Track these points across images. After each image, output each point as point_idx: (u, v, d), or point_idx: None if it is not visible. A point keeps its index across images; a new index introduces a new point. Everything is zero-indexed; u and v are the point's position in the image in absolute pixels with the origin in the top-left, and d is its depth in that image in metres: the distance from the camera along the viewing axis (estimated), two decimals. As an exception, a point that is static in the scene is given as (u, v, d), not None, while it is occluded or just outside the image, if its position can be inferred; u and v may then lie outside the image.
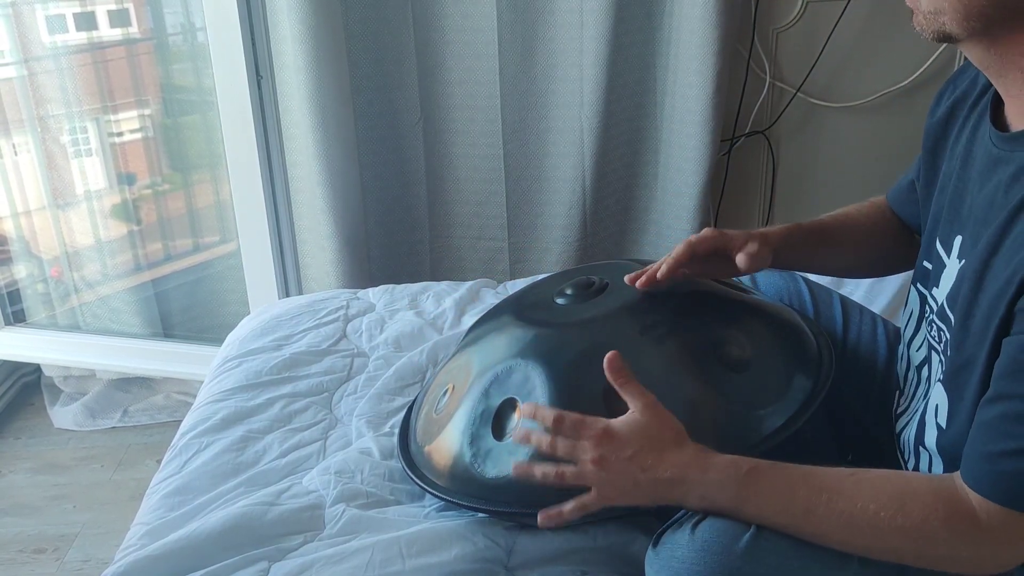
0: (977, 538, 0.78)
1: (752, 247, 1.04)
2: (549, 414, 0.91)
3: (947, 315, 0.90)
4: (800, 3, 2.01)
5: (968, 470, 0.80)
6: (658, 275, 1.06)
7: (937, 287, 0.94)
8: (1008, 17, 0.77)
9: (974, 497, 0.79)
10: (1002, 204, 0.81)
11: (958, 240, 0.90)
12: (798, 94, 2.09)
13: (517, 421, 1.02)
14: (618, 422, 0.90)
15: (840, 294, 1.30)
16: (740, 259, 1.04)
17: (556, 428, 0.91)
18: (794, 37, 2.05)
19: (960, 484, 0.80)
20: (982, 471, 0.79)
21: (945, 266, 0.93)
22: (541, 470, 0.91)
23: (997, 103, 0.88)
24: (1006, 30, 0.78)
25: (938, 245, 0.96)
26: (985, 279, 0.82)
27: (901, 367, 1.07)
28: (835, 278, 1.52)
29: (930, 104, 1.03)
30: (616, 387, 0.93)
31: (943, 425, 0.90)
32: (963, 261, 0.88)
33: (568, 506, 0.91)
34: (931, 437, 0.93)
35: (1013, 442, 0.76)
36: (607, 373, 0.93)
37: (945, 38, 0.81)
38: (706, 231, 1.07)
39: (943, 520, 0.79)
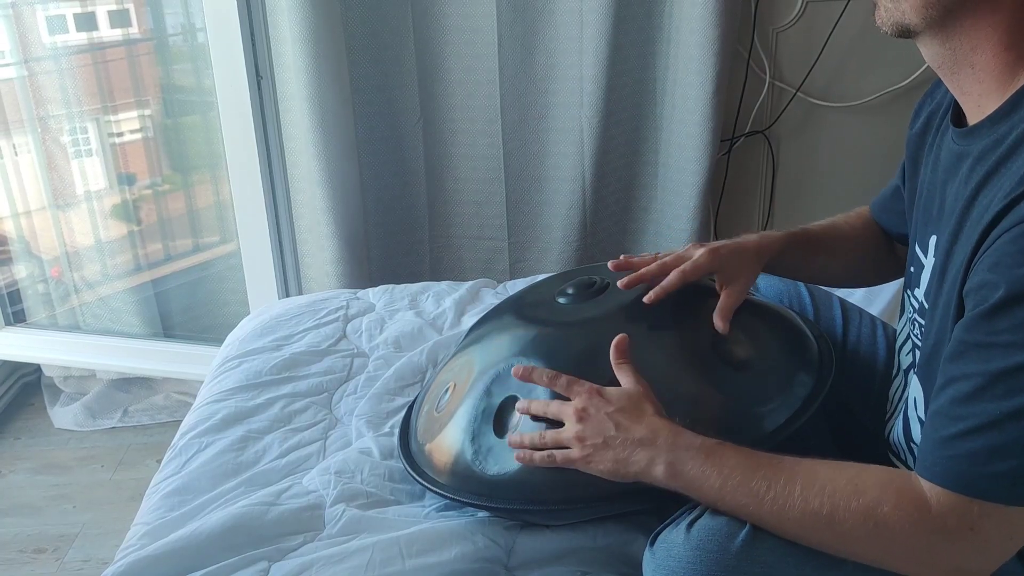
0: (928, 526, 0.76)
1: (729, 300, 1.06)
2: (545, 372, 0.99)
3: (925, 311, 0.91)
4: (800, 3, 2.01)
5: (921, 460, 0.79)
6: (644, 299, 1.07)
7: (918, 287, 0.96)
8: (962, 9, 0.79)
9: (926, 486, 0.77)
10: (961, 195, 0.83)
11: (933, 239, 0.91)
12: (798, 94, 2.09)
13: (518, 419, 1.02)
14: (607, 388, 0.96)
15: (840, 297, 1.31)
16: (716, 318, 1.06)
17: (551, 384, 0.98)
18: (794, 37, 2.05)
19: (915, 476, 0.79)
20: (934, 458, 0.77)
21: (924, 267, 0.94)
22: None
23: (958, 106, 0.89)
24: (960, 23, 0.80)
25: (917, 248, 0.97)
26: (947, 268, 0.83)
27: (894, 373, 1.08)
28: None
29: (911, 116, 1.05)
30: (614, 365, 0.98)
31: (922, 417, 0.90)
32: (936, 258, 0.89)
33: (539, 455, 0.97)
34: (916, 432, 0.94)
35: (962, 423, 0.75)
36: (612, 351, 0.98)
37: (904, 32, 0.83)
38: (701, 258, 1.07)
39: (894, 505, 0.77)
